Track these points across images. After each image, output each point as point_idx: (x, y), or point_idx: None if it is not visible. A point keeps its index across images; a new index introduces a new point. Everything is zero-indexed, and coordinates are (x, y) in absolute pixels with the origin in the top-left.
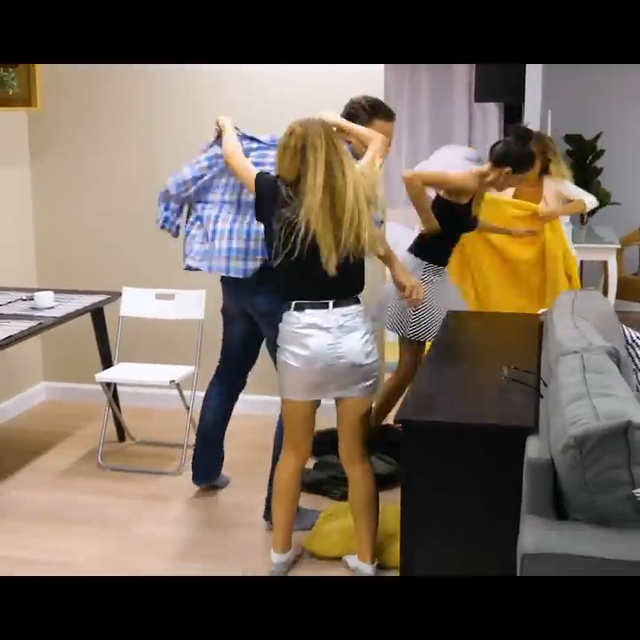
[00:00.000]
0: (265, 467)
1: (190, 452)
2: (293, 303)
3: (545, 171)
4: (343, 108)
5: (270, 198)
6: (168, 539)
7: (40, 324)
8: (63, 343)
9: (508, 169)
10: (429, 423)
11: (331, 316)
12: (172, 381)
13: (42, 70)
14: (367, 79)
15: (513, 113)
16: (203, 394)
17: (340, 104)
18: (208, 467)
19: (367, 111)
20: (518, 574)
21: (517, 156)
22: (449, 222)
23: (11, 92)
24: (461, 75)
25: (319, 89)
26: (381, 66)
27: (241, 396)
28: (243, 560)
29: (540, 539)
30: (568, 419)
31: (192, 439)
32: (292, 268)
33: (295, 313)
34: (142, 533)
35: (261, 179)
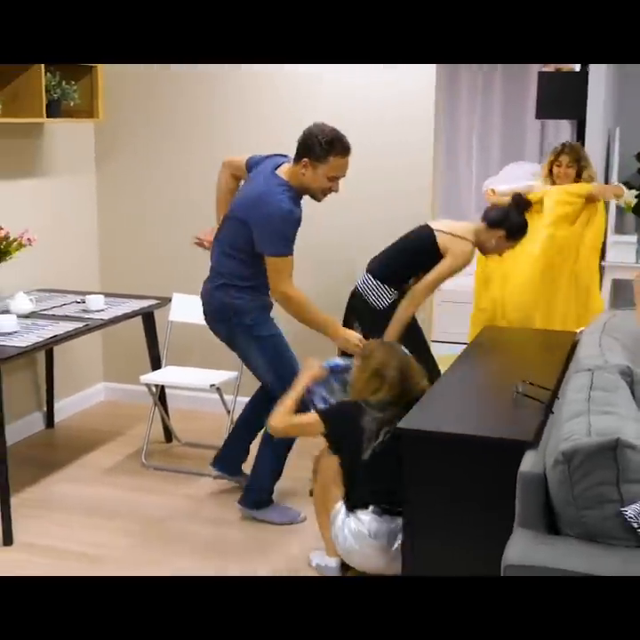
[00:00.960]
0: (302, 471)
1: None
2: None
3: (578, 176)
4: (302, 133)
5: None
6: (200, 536)
7: (86, 325)
8: (122, 346)
9: (501, 234)
10: (425, 433)
11: None
12: (212, 385)
13: (104, 83)
14: (418, 90)
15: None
16: (246, 399)
17: (388, 113)
18: (226, 458)
19: (323, 148)
20: None
21: (514, 224)
22: None
23: (72, 104)
24: (534, 89)
25: (369, 98)
26: (433, 78)
27: None
28: (273, 560)
29: (523, 551)
30: (563, 434)
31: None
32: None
33: None
34: (175, 530)
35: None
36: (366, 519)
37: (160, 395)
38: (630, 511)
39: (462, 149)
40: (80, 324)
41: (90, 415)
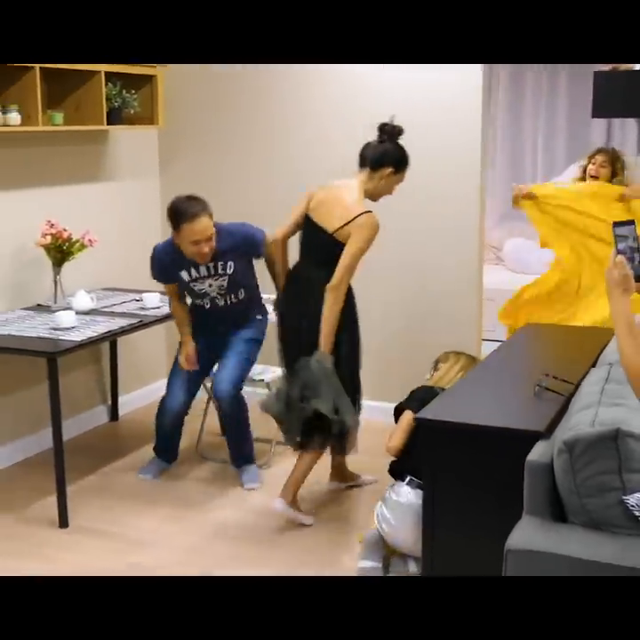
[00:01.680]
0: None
1: (278, 448)
2: None
3: (613, 176)
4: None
5: None
6: (241, 525)
7: (140, 321)
8: None
9: (389, 170)
10: (442, 423)
11: None
12: (261, 380)
13: (166, 90)
14: (465, 91)
15: None
16: None
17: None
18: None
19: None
20: (503, 569)
21: (397, 155)
22: None
23: (132, 112)
24: None
25: (417, 98)
26: (479, 77)
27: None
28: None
29: (524, 536)
30: (569, 425)
31: (280, 436)
32: None
33: None
34: (218, 519)
35: None
36: (403, 490)
37: None
38: (632, 499)
39: (527, 150)
40: (135, 320)
41: (152, 408)
